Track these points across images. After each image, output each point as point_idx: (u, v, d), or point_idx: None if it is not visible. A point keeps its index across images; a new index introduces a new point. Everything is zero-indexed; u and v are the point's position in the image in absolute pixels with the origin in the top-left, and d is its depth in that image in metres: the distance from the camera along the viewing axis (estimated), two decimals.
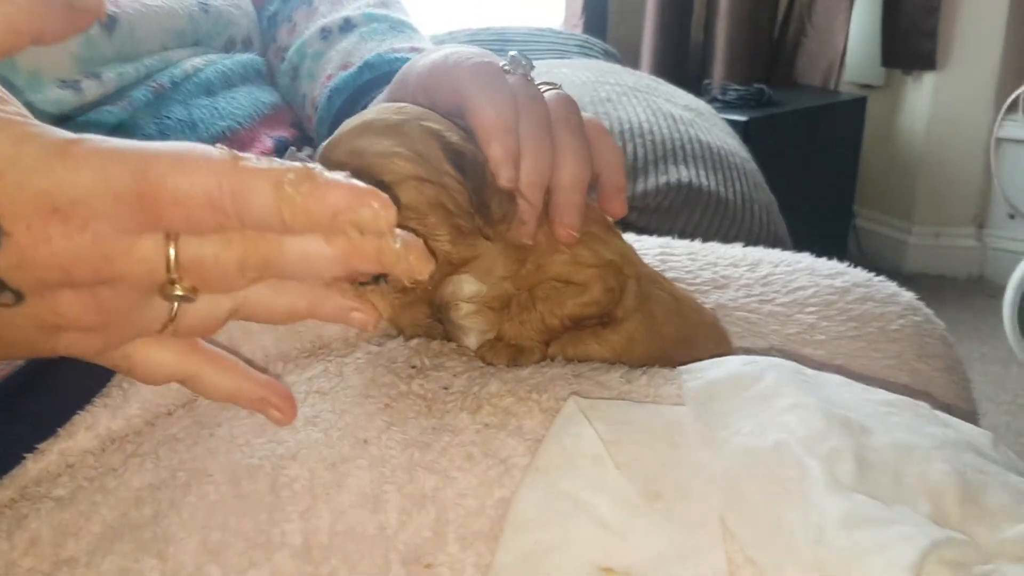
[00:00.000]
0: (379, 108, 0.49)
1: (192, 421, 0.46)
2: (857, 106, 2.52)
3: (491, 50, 0.53)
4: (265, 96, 0.68)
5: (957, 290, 2.59)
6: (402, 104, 0.49)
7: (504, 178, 0.46)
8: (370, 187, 0.31)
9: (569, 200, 0.49)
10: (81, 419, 0.46)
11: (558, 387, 0.46)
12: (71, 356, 0.34)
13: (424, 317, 0.52)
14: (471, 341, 0.52)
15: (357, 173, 0.33)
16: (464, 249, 0.47)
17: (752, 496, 0.39)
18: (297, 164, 0.31)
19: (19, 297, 0.31)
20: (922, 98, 2.64)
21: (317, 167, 0.31)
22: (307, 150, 0.69)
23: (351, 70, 0.66)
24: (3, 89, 0.32)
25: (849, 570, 0.35)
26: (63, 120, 0.50)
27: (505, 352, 0.50)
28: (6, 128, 0.30)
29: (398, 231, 0.32)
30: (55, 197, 0.30)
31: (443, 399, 0.46)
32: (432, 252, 0.39)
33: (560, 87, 0.53)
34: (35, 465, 0.45)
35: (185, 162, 0.30)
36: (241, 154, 0.30)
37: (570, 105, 0.51)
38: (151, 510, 0.42)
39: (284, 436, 0.44)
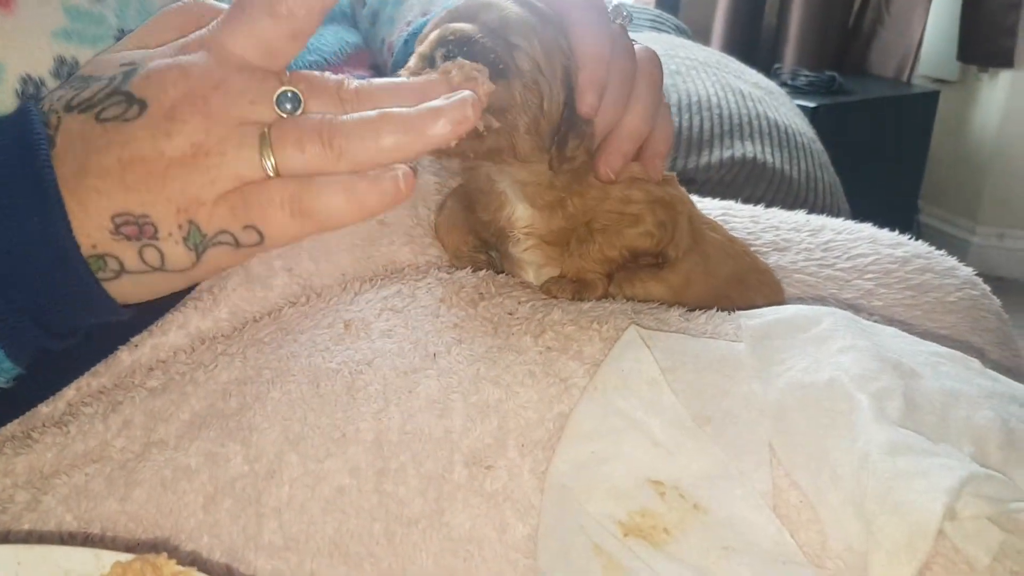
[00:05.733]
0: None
1: (277, 328, 0.49)
2: (929, 100, 2.47)
3: None
4: (350, 37, 0.71)
5: (1018, 292, 2.54)
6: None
7: (587, 104, 0.48)
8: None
9: (621, 147, 0.51)
10: (173, 318, 0.50)
11: (619, 319, 0.48)
12: (177, 207, 0.38)
13: (484, 246, 0.56)
14: (530, 276, 0.54)
15: (486, 33, 0.44)
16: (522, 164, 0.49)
17: (801, 426, 0.41)
18: None
19: (143, 107, 0.38)
20: (996, 96, 2.58)
21: None
22: None
23: (430, 16, 0.68)
24: None
25: (890, 492, 0.37)
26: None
27: (569, 287, 0.53)
28: None
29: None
30: (174, 19, 0.41)
31: (508, 323, 0.49)
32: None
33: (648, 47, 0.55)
34: (128, 356, 0.49)
35: None
36: None
37: (655, 62, 0.53)
38: (237, 402, 0.46)
39: (361, 345, 0.47)
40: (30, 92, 0.46)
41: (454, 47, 0.45)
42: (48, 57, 0.46)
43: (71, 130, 0.38)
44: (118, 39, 0.49)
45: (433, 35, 0.46)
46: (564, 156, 0.49)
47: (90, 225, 0.38)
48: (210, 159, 0.38)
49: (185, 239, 0.39)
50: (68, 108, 0.39)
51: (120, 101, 0.38)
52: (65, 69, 0.47)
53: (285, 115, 0.38)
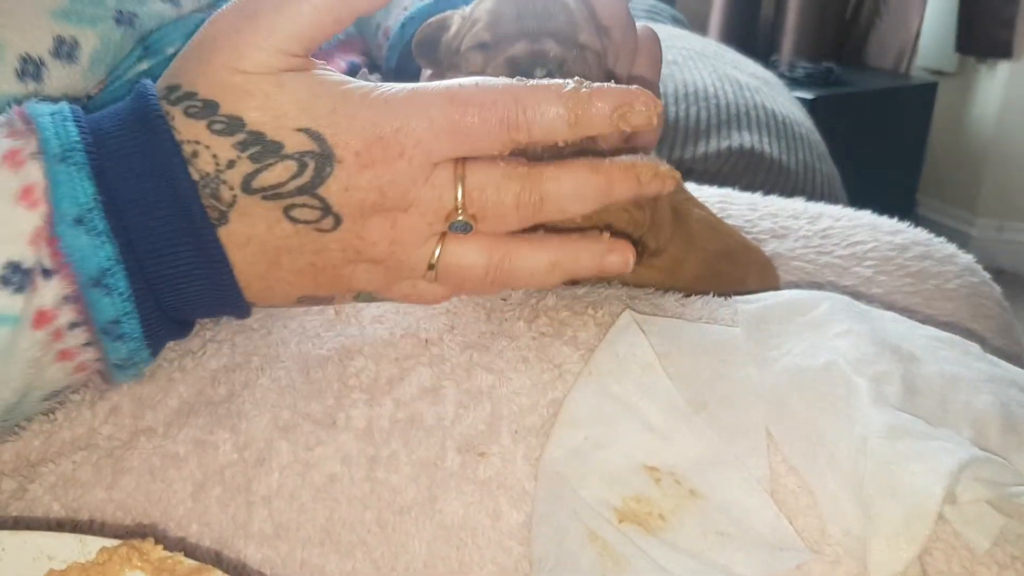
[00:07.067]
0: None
1: (266, 314, 0.48)
2: (927, 92, 2.47)
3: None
4: None
5: (1018, 285, 2.54)
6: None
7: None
8: (636, 87, 0.38)
9: None
10: None
11: (613, 304, 0.48)
12: (358, 291, 0.42)
13: None
14: None
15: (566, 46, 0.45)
16: None
17: (798, 410, 0.41)
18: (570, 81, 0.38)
19: (338, 221, 0.38)
20: (995, 87, 2.57)
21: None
22: (376, 75, 0.71)
23: (428, 0, 0.67)
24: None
25: (888, 476, 0.36)
26: (157, 29, 0.53)
27: None
28: (330, 78, 0.38)
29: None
30: (381, 126, 0.37)
31: (501, 308, 0.48)
32: None
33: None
34: None
35: (487, 84, 0.37)
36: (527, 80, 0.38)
37: (656, 40, 0.53)
38: (226, 389, 0.45)
39: (351, 332, 0.47)
40: (30, 71, 0.45)
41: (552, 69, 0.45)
42: (47, 36, 0.46)
43: (252, 214, 0.38)
44: (117, 20, 0.49)
45: (520, 51, 0.46)
46: None
47: (273, 300, 0.42)
48: (391, 267, 0.41)
49: (356, 297, 0.44)
50: (248, 189, 0.37)
51: (315, 207, 0.38)
52: (64, 49, 0.46)
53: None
